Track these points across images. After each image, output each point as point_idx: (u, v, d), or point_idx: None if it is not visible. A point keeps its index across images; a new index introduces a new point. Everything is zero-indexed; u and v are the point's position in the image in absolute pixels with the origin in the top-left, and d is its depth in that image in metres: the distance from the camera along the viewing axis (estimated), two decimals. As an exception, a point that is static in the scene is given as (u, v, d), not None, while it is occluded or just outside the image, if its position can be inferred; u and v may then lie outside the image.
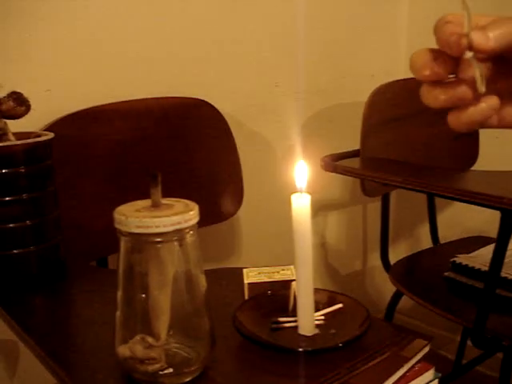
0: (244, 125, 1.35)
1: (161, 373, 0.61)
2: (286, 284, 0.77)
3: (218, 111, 1.21)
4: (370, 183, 1.27)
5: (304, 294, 0.70)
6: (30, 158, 0.84)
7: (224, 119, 1.22)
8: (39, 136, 0.87)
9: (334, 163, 1.18)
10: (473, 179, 1.24)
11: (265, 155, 1.43)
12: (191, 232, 0.60)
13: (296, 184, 0.68)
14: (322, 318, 0.73)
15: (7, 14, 1.01)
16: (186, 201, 0.63)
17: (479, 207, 0.95)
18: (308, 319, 0.70)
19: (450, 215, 1.62)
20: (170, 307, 0.60)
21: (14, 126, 0.86)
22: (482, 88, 0.37)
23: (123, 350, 0.61)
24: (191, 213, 0.60)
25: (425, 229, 1.57)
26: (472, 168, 1.50)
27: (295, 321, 0.71)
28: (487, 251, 1.12)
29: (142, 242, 0.60)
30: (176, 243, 0.60)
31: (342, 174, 1.18)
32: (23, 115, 0.85)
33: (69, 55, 1.09)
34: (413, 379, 0.64)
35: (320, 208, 1.59)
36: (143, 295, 0.60)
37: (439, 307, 1.10)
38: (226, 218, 1.26)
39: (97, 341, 0.71)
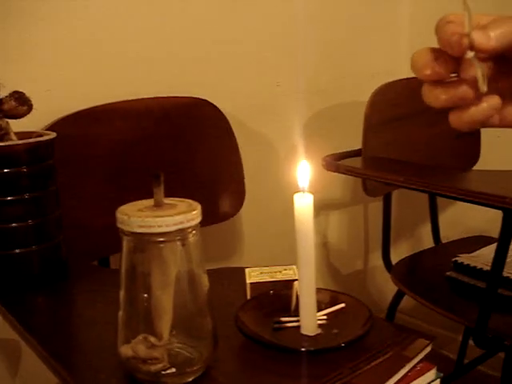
0: (245, 125, 1.35)
1: (163, 372, 0.61)
2: (288, 284, 0.77)
3: (219, 111, 1.21)
4: (371, 183, 1.27)
5: (306, 293, 0.70)
6: (32, 157, 0.84)
7: (226, 119, 1.22)
8: (41, 136, 0.87)
9: (336, 163, 1.18)
10: (475, 179, 1.24)
11: (266, 155, 1.43)
12: (194, 232, 0.60)
13: (298, 183, 0.68)
14: (325, 317, 0.73)
15: (7, 14, 1.01)
16: (188, 200, 0.62)
17: (481, 207, 0.95)
18: (310, 319, 0.70)
19: (451, 215, 1.62)
20: (172, 307, 0.60)
21: (15, 125, 0.86)
22: (483, 87, 0.37)
23: (126, 350, 0.61)
24: (194, 212, 0.59)
25: (426, 228, 1.57)
26: (474, 167, 1.50)
27: (297, 321, 0.71)
28: (489, 251, 1.12)
29: (145, 242, 0.60)
30: (179, 243, 0.60)
31: (343, 173, 1.18)
32: (25, 115, 0.85)
33: (69, 55, 1.09)
34: (415, 379, 0.64)
35: (321, 208, 1.59)
36: (146, 295, 0.60)
37: (441, 307, 1.10)
38: (228, 217, 1.25)
39: (99, 341, 0.71)
